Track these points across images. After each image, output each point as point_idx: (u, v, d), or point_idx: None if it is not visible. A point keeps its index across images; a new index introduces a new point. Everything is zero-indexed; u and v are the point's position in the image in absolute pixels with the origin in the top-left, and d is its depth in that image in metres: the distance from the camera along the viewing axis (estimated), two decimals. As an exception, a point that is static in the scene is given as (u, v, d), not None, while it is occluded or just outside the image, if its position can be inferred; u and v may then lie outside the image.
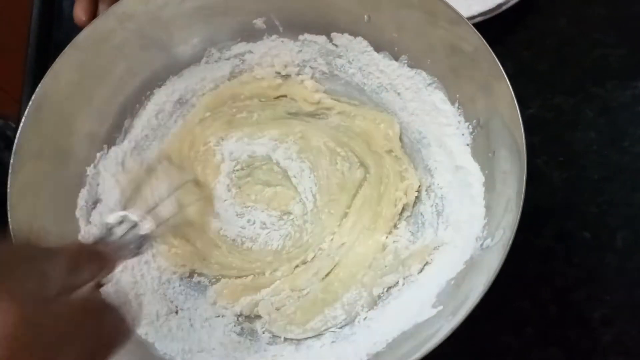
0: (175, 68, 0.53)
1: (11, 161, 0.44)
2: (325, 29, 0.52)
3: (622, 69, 0.56)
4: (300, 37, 0.53)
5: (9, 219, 0.43)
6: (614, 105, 0.55)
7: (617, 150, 0.54)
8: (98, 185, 0.50)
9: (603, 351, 0.48)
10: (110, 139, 0.52)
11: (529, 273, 0.50)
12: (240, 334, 0.49)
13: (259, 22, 0.52)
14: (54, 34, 0.62)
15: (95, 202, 0.50)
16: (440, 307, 0.42)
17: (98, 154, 0.51)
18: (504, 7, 0.54)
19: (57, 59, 0.47)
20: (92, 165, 0.50)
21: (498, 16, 0.55)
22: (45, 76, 0.47)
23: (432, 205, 0.50)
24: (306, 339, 0.48)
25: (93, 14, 0.53)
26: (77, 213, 0.49)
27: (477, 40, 0.43)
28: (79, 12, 0.52)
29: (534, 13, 0.59)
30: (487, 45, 0.43)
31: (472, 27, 0.43)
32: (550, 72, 0.57)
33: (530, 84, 0.56)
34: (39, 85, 0.46)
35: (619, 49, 0.57)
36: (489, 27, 0.53)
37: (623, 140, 0.54)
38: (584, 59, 0.57)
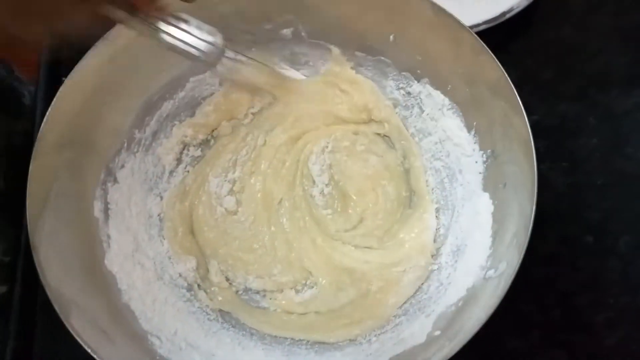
0: (201, 69, 0.53)
1: (34, 148, 0.44)
2: (352, 44, 0.53)
3: (626, 76, 0.57)
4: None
5: (27, 206, 0.43)
6: (617, 113, 0.56)
7: (621, 157, 0.54)
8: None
9: (607, 354, 0.49)
10: (131, 134, 0.52)
11: (533, 277, 0.50)
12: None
13: (287, 32, 0.53)
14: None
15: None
16: (438, 332, 0.43)
17: (119, 147, 0.51)
18: (508, 15, 0.55)
19: (87, 52, 0.47)
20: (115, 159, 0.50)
21: (502, 24, 0.55)
22: (74, 68, 0.46)
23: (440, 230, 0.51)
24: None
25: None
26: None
27: (498, 72, 0.44)
28: None
29: (539, 21, 0.59)
30: (507, 77, 0.43)
31: (495, 58, 0.44)
32: (554, 80, 0.58)
33: (534, 91, 0.56)
34: (68, 76, 0.46)
35: (623, 57, 0.58)
36: (494, 34, 0.54)
37: (626, 146, 0.55)
38: (588, 66, 0.58)
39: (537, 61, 0.58)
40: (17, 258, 0.51)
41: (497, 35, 0.55)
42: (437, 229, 0.51)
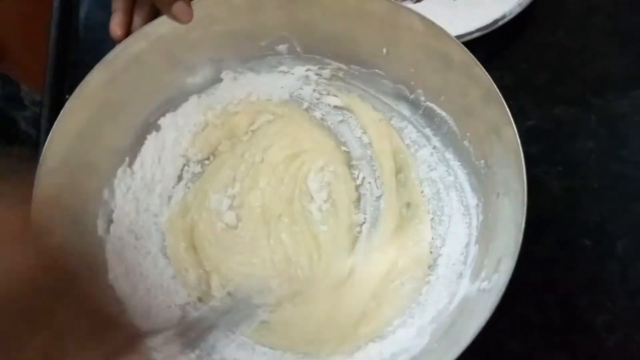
0: (197, 88, 0.55)
1: (37, 171, 0.45)
2: (345, 58, 0.53)
3: (622, 79, 0.57)
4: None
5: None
6: (614, 116, 0.56)
7: (617, 160, 0.54)
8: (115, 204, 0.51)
9: (607, 356, 0.49)
10: (132, 154, 0.53)
11: (532, 280, 0.51)
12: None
13: (282, 48, 0.54)
14: (69, 55, 0.64)
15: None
16: (435, 345, 0.43)
17: (119, 170, 0.51)
18: (500, 23, 0.55)
19: (88, 74, 0.47)
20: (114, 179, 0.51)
21: (497, 30, 0.55)
22: (74, 91, 0.47)
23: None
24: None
25: (128, 29, 0.54)
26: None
27: (488, 83, 0.44)
28: (115, 27, 0.53)
29: (533, 25, 0.59)
30: (497, 90, 0.44)
31: (485, 71, 0.44)
32: (549, 84, 0.58)
33: (529, 95, 0.56)
34: (69, 99, 0.47)
35: (619, 60, 0.58)
36: (488, 40, 0.55)
37: (623, 149, 0.55)
38: (584, 70, 0.58)
39: (532, 65, 0.58)
40: None
41: (492, 41, 0.55)
42: (433, 240, 0.51)
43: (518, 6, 0.56)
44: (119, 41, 0.52)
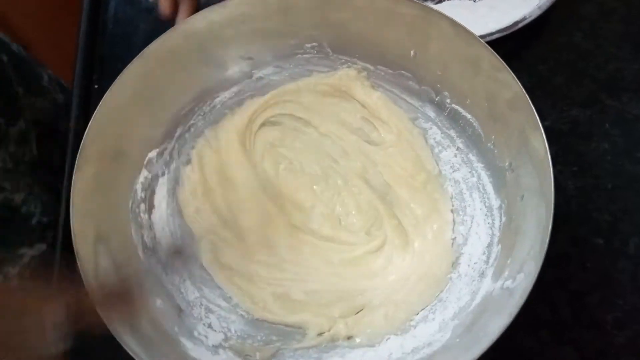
0: (228, 83, 0.55)
1: (76, 161, 0.46)
2: (373, 60, 0.53)
3: (637, 82, 0.58)
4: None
5: (71, 218, 0.45)
6: (628, 118, 0.57)
7: (631, 161, 0.55)
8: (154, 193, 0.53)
9: (617, 352, 0.50)
10: (162, 144, 0.53)
11: (544, 277, 0.51)
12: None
13: (311, 47, 0.54)
14: (97, 49, 0.65)
15: (150, 207, 0.52)
16: (456, 340, 0.44)
17: (148, 157, 0.52)
18: (520, 25, 0.55)
19: (125, 68, 0.48)
20: (144, 169, 0.52)
21: (515, 32, 0.56)
22: (113, 83, 0.48)
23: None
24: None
25: (176, 9, 0.55)
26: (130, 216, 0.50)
27: (517, 88, 0.44)
28: (164, 5, 0.54)
29: (550, 28, 0.60)
30: (526, 94, 0.44)
31: (514, 75, 0.44)
32: (566, 85, 0.58)
33: (546, 97, 0.57)
34: (108, 90, 0.48)
35: (634, 63, 0.59)
36: (506, 42, 0.55)
37: (637, 150, 0.56)
38: (600, 72, 0.59)
39: (548, 67, 0.59)
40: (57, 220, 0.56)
41: (510, 43, 0.56)
42: (454, 239, 0.51)
43: (538, 9, 0.56)
44: (168, 20, 0.54)
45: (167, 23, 0.54)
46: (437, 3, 0.60)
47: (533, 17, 0.56)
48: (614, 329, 0.50)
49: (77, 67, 0.62)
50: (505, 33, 0.56)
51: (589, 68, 0.59)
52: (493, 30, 0.56)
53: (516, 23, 0.56)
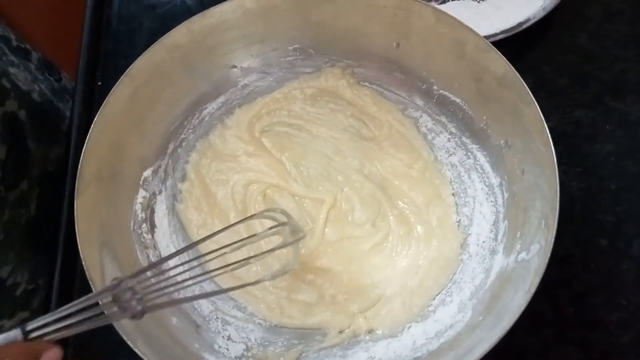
0: (215, 93, 0.55)
1: (76, 184, 0.45)
2: (356, 56, 0.54)
3: (641, 84, 0.57)
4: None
5: (80, 249, 0.43)
6: (632, 119, 0.56)
7: (635, 162, 0.54)
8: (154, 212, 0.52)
9: (620, 352, 0.49)
10: (156, 161, 0.53)
11: (548, 277, 0.51)
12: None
13: (294, 48, 0.54)
14: (101, 45, 0.65)
15: (152, 227, 0.52)
16: (480, 317, 0.44)
17: (143, 176, 0.52)
18: (524, 26, 0.55)
19: (113, 87, 0.48)
20: (141, 189, 0.52)
21: (519, 33, 0.56)
22: (103, 103, 0.47)
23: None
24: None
25: None
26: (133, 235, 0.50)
27: (505, 66, 0.44)
28: None
29: (555, 30, 0.60)
30: (514, 70, 0.44)
31: (501, 54, 0.44)
32: (570, 87, 0.58)
33: (550, 98, 0.57)
34: (99, 111, 0.47)
35: (638, 65, 0.58)
36: (510, 43, 0.55)
37: (640, 152, 0.55)
38: (604, 74, 0.58)
39: (552, 69, 0.59)
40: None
41: (514, 44, 0.56)
42: (459, 221, 0.51)
43: (542, 10, 0.56)
44: None
45: (170, 20, 0.55)
46: (440, 3, 0.60)
47: (537, 19, 0.56)
48: (618, 329, 0.50)
49: (80, 64, 0.62)
50: (509, 34, 0.55)
51: (593, 70, 0.58)
52: (497, 31, 0.55)
53: (520, 24, 0.56)
